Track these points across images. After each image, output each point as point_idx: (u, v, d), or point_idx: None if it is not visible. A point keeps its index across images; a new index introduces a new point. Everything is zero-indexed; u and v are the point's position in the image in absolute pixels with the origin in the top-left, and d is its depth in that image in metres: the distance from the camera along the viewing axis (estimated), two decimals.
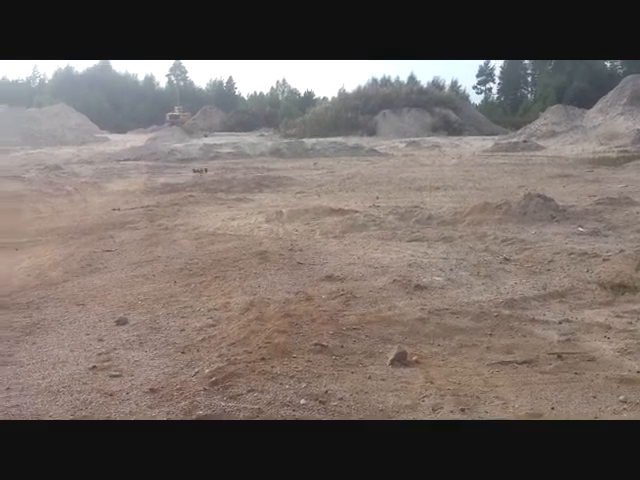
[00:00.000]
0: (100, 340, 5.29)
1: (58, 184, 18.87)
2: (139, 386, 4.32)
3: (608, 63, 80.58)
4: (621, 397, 4.10)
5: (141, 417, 3.84)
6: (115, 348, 5.10)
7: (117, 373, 4.57)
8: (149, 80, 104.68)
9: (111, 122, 72.74)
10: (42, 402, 4.09)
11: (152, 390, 4.24)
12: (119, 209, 13.58)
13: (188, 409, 3.91)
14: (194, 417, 3.80)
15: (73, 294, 6.77)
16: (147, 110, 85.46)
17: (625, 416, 3.85)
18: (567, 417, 3.86)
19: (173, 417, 3.83)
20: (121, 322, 5.72)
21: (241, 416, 3.82)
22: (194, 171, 22.88)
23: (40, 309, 6.25)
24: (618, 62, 79.87)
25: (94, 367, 4.68)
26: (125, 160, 28.48)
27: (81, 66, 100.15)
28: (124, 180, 20.22)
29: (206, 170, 22.89)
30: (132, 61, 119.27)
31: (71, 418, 3.83)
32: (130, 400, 4.10)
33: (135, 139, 49.29)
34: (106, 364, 4.75)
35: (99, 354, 4.96)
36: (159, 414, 3.87)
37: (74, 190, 17.49)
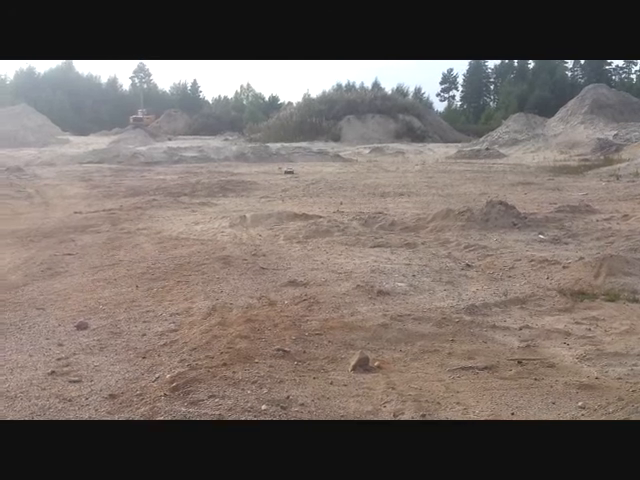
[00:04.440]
0: (60, 345, 5.22)
1: (19, 186, 18.63)
2: (99, 392, 4.27)
3: (569, 72, 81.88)
4: (580, 403, 4.15)
5: None
6: (75, 353, 5.04)
7: (76, 378, 4.51)
8: (112, 82, 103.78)
9: (73, 124, 71.77)
10: None
11: (112, 396, 4.19)
12: (81, 212, 13.42)
13: (148, 415, 3.87)
14: None
15: (33, 298, 6.67)
16: (110, 112, 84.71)
17: None
18: None
19: None
20: (81, 327, 5.65)
21: None
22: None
23: None
24: (579, 71, 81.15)
25: (53, 372, 4.61)
26: (88, 163, 28.20)
27: (43, 67, 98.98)
28: (86, 183, 19.99)
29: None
30: (96, 63, 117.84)
31: None
32: (89, 406, 4.05)
33: (98, 141, 48.85)
34: (65, 369, 4.68)
35: (58, 359, 4.89)
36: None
37: (35, 192, 17.27)
